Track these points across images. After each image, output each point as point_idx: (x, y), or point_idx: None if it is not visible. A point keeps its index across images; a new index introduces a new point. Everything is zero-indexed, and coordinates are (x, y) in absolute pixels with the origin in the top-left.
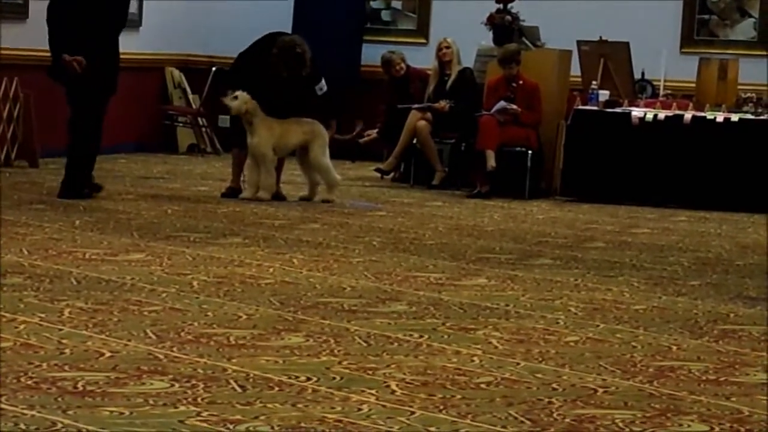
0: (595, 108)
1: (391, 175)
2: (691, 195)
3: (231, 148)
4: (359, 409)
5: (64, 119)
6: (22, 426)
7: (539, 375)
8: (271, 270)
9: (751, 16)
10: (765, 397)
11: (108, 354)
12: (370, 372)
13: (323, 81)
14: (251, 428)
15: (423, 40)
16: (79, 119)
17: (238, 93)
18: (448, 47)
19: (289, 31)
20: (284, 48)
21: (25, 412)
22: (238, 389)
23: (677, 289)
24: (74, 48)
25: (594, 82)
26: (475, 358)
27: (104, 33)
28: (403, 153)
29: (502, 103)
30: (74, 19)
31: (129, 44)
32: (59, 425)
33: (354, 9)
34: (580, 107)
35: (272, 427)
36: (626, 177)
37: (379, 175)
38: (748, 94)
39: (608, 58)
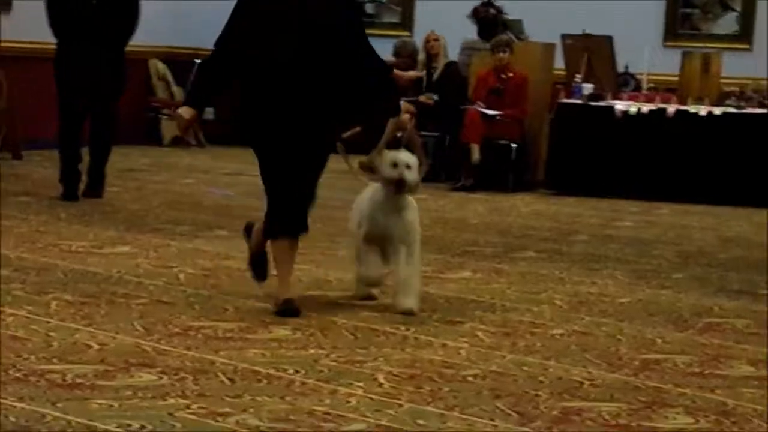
0: (579, 101)
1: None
2: (674, 188)
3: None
4: (347, 402)
5: (47, 110)
6: (12, 418)
7: (525, 368)
8: None
9: (733, 9)
10: (749, 390)
11: (96, 347)
12: (358, 365)
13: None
14: (240, 421)
15: (407, 33)
16: (105, 124)
17: (404, 157)
18: (436, 40)
19: None
20: None
21: (15, 404)
22: (227, 382)
23: (661, 283)
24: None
25: (578, 76)
26: (462, 351)
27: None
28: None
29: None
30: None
31: None
32: (48, 418)
33: None
34: (564, 100)
35: (261, 420)
36: (610, 170)
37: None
38: (731, 88)
39: (592, 52)
